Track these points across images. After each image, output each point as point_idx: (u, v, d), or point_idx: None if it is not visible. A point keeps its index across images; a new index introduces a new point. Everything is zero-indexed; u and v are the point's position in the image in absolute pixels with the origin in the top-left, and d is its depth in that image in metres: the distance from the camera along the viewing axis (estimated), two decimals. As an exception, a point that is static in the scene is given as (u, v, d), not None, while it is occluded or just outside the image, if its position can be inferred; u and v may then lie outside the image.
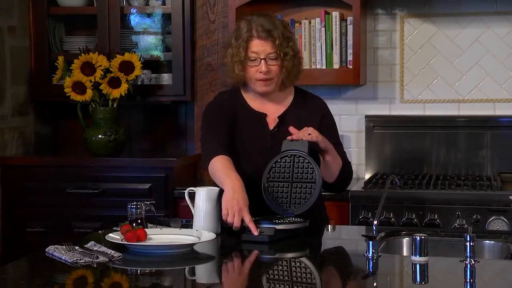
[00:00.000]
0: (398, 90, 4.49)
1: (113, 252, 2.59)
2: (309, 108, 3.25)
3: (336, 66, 4.32)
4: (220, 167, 2.99)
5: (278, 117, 3.21)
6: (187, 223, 3.04)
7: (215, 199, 2.93)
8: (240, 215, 2.84)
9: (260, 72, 3.12)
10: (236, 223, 2.83)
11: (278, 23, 3.16)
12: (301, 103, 3.25)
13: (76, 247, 2.65)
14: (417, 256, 2.44)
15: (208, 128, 3.18)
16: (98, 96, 4.35)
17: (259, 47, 3.11)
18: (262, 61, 3.11)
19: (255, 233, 2.81)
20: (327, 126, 3.22)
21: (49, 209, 4.28)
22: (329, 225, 3.34)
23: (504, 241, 2.87)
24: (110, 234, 2.76)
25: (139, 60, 4.35)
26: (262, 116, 3.21)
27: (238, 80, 3.20)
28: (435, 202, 3.82)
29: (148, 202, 2.95)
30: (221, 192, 2.94)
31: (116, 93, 4.32)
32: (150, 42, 4.59)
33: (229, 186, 2.89)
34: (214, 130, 3.16)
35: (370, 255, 2.51)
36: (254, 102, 3.23)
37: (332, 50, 4.32)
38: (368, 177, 4.32)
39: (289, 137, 3.02)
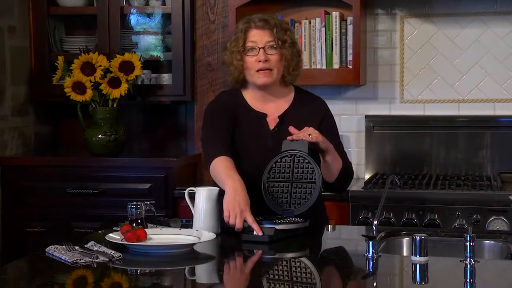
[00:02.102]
0: (398, 90, 4.49)
1: (113, 252, 2.59)
2: (310, 108, 3.25)
3: (336, 66, 4.32)
4: (222, 168, 2.98)
5: (279, 117, 3.21)
6: (187, 223, 3.04)
7: (215, 199, 2.92)
8: (242, 216, 2.83)
9: (259, 61, 3.11)
10: (238, 225, 2.83)
11: (275, 17, 3.22)
12: (301, 103, 3.25)
13: (76, 247, 2.64)
14: (417, 256, 2.44)
15: (210, 128, 3.17)
16: (98, 96, 4.35)
17: (256, 36, 3.13)
18: (261, 50, 3.12)
19: (259, 233, 2.80)
20: (328, 127, 3.22)
21: (49, 209, 4.28)
22: (329, 225, 3.34)
23: (504, 241, 2.87)
24: (110, 234, 2.76)
25: (139, 60, 4.35)
26: (262, 116, 3.21)
27: (237, 75, 3.18)
28: (435, 202, 3.82)
29: (148, 202, 2.95)
30: (221, 192, 2.94)
31: (116, 93, 4.32)
32: (150, 42, 4.59)
33: (231, 187, 2.88)
34: (215, 129, 3.14)
35: (370, 255, 2.51)
36: (255, 102, 3.23)
37: (332, 50, 4.32)
38: (368, 177, 4.32)
39: (289, 137, 3.02)
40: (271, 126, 3.20)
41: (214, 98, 3.35)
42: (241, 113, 3.20)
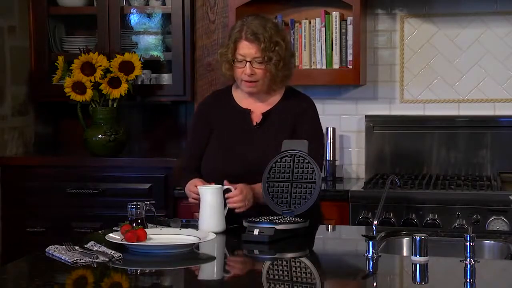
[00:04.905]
0: (398, 90, 4.48)
1: (113, 252, 2.59)
2: (292, 105, 3.28)
3: (336, 66, 4.32)
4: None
5: (262, 113, 3.27)
6: (187, 223, 3.05)
7: (220, 197, 2.94)
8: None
9: (245, 74, 3.17)
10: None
11: (270, 27, 3.20)
12: (287, 102, 3.30)
13: (76, 247, 2.65)
14: (417, 256, 2.44)
15: (190, 135, 3.45)
16: (98, 96, 4.35)
17: (245, 49, 3.17)
18: (248, 63, 3.18)
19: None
20: (304, 121, 3.24)
21: (49, 209, 4.28)
22: (329, 225, 3.34)
23: (504, 241, 2.87)
24: (110, 234, 2.76)
25: (139, 60, 4.35)
26: (247, 112, 3.28)
27: (227, 78, 3.29)
28: (435, 202, 3.81)
29: (148, 202, 2.95)
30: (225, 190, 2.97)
31: (116, 93, 4.32)
32: (150, 42, 4.59)
33: None
34: (193, 140, 3.35)
35: (370, 255, 2.51)
36: (243, 100, 3.31)
37: (332, 50, 4.32)
38: (368, 177, 4.32)
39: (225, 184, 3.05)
40: (255, 122, 3.25)
41: (203, 99, 3.49)
42: (226, 111, 3.29)
